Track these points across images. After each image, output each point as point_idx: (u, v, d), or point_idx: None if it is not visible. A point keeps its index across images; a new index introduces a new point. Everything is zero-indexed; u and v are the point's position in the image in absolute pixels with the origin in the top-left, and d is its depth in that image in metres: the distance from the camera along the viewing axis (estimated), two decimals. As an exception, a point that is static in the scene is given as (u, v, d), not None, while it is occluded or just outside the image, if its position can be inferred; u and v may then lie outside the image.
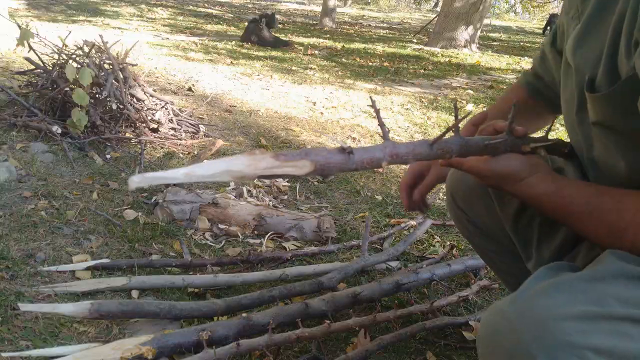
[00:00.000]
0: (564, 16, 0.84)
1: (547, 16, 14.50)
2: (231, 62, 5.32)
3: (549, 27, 13.61)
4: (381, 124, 0.64)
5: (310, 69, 5.42)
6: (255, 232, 1.80)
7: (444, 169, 1.01)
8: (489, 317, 0.61)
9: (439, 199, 2.20)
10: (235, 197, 1.97)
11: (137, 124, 2.53)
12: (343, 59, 6.42)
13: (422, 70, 6.04)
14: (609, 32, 0.66)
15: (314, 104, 3.84)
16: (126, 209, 1.84)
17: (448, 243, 1.80)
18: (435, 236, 1.86)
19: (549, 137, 0.79)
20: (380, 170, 2.45)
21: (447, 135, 0.68)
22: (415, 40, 9.42)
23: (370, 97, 0.71)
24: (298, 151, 0.51)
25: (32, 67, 2.67)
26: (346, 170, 0.56)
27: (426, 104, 4.17)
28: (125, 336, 1.19)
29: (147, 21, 8.52)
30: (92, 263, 1.46)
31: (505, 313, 0.59)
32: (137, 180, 0.42)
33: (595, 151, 0.76)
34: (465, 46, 8.19)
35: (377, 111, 0.65)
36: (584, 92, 0.71)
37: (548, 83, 0.96)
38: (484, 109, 4.14)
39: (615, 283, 0.58)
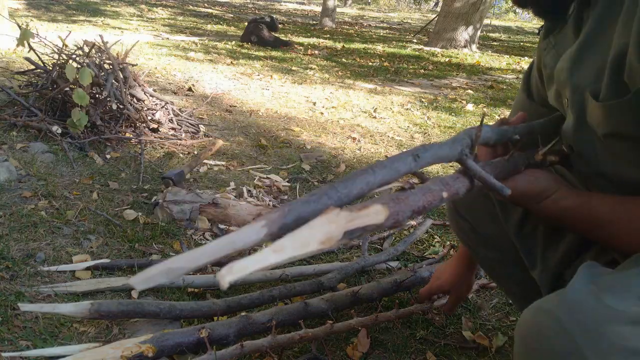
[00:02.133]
0: (539, 61, 0.87)
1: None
2: (231, 62, 5.32)
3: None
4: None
5: (310, 69, 5.42)
6: (255, 232, 1.80)
7: (463, 294, 1.26)
8: (533, 317, 0.59)
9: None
10: (235, 197, 1.97)
11: (137, 124, 2.53)
12: (343, 59, 6.42)
13: (422, 70, 6.04)
14: (614, 43, 0.65)
15: (314, 104, 3.85)
16: (126, 209, 1.84)
17: (448, 243, 1.80)
18: (435, 236, 1.86)
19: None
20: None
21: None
22: (415, 40, 9.42)
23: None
24: (368, 201, 0.50)
25: (32, 67, 2.67)
26: (417, 209, 0.53)
27: (426, 104, 4.17)
28: (125, 336, 1.19)
29: (147, 21, 8.52)
30: (92, 263, 1.46)
31: (553, 313, 0.56)
32: (225, 275, 0.35)
33: (602, 165, 0.74)
34: (465, 46, 8.19)
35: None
36: (583, 111, 0.71)
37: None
38: (484, 108, 4.14)
39: None
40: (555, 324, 0.55)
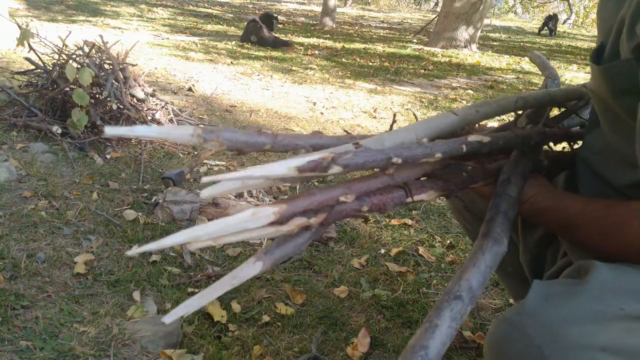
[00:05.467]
0: None
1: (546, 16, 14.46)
2: (231, 62, 5.32)
3: (545, 27, 13.59)
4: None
5: (310, 69, 5.42)
6: (255, 232, 1.80)
7: None
8: (497, 327, 0.63)
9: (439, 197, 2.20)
10: (235, 197, 1.97)
11: (137, 124, 2.52)
12: (343, 59, 6.42)
13: (422, 70, 6.04)
14: (625, 5, 0.65)
15: (314, 104, 3.85)
16: (126, 209, 1.84)
17: (448, 243, 1.80)
18: (436, 236, 1.87)
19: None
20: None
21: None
22: (415, 40, 9.42)
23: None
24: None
25: (32, 67, 2.67)
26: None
27: (426, 104, 4.17)
28: (125, 336, 1.19)
29: (147, 21, 8.52)
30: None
31: (514, 321, 0.60)
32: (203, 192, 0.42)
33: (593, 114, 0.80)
34: (465, 46, 8.18)
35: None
36: None
37: None
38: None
39: (620, 291, 0.58)
40: (516, 329, 0.59)
